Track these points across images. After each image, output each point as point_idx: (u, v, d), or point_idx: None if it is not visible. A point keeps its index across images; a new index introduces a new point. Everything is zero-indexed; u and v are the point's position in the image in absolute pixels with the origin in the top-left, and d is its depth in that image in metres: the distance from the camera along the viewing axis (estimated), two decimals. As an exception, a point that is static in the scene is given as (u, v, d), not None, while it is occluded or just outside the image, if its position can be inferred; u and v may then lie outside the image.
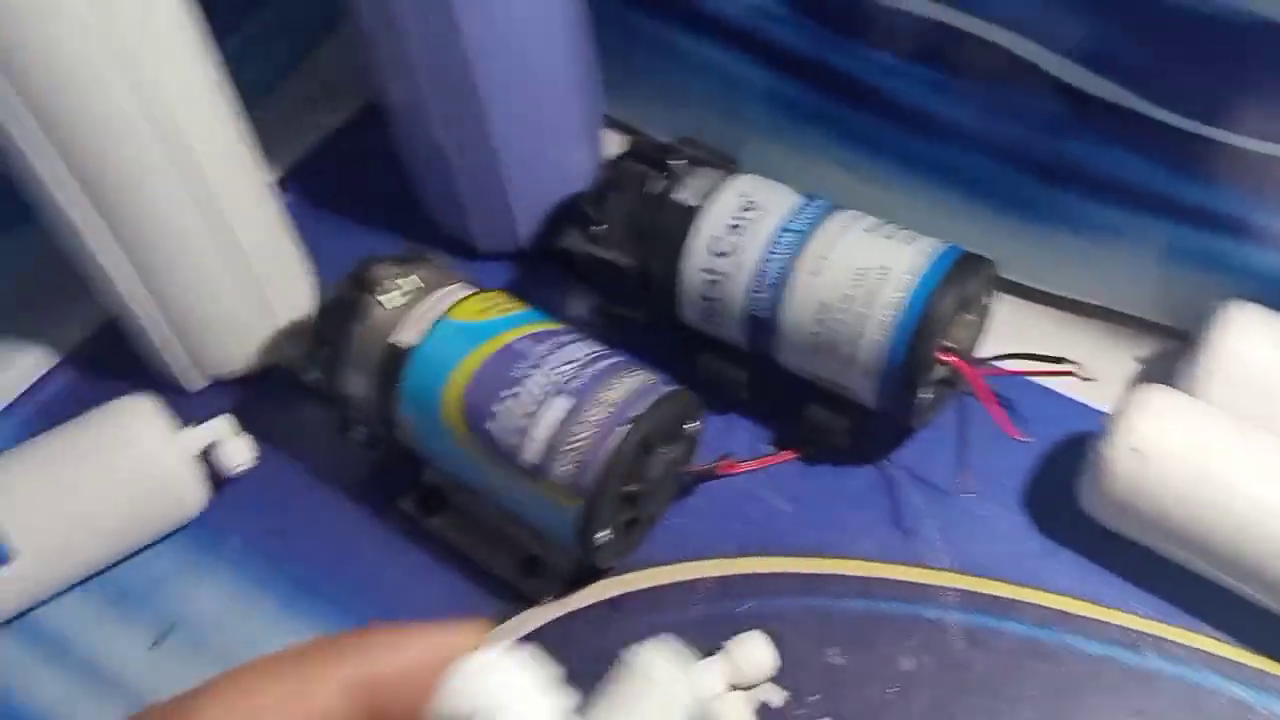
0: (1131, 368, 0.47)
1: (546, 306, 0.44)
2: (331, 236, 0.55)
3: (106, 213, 0.41)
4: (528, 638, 0.42)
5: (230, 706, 0.19)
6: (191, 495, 0.44)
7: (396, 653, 0.21)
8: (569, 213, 0.49)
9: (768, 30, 0.47)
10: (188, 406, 0.47)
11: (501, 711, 0.20)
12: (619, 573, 0.43)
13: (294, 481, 0.47)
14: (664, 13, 0.51)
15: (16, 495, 0.42)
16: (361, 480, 0.46)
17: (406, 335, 0.41)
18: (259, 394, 0.50)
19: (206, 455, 0.45)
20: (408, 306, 0.41)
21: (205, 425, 0.45)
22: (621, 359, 0.41)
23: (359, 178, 0.58)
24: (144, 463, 0.43)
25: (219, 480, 0.46)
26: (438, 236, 0.55)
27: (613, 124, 0.56)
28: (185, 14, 0.40)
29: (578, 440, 0.38)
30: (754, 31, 0.47)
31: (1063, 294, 0.48)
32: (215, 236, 0.44)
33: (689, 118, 0.54)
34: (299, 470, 0.47)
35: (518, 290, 0.44)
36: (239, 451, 0.45)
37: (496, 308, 0.42)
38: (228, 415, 0.46)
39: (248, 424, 0.47)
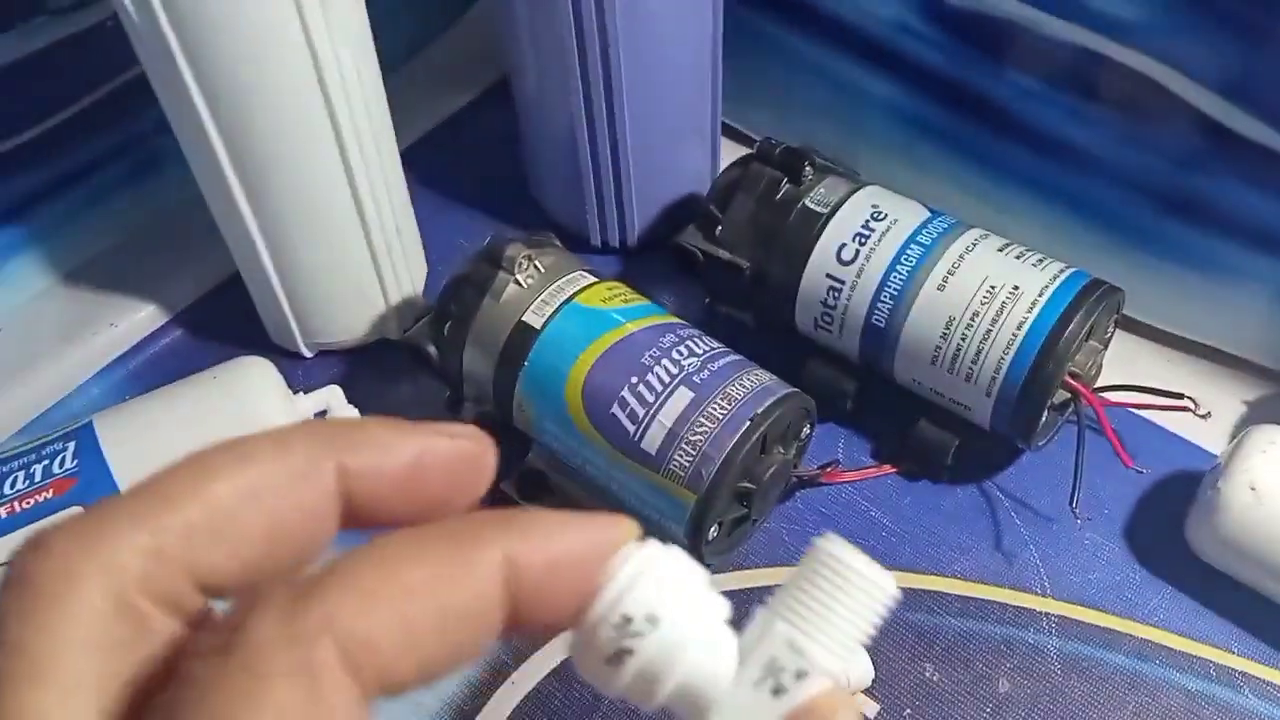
0: (1239, 410, 0.47)
1: (655, 302, 0.44)
2: (442, 217, 0.56)
3: (251, 164, 0.42)
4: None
5: (370, 589, 0.16)
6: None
7: (550, 539, 0.18)
8: (690, 210, 0.50)
9: (904, 45, 0.47)
10: (293, 373, 0.48)
11: (673, 608, 0.18)
12: (716, 571, 0.43)
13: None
14: (793, 20, 0.51)
15: (131, 448, 0.42)
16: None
17: (536, 315, 0.41)
18: (362, 367, 0.51)
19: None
20: (537, 287, 0.42)
21: (317, 392, 0.46)
22: (741, 357, 0.41)
23: (474, 161, 0.59)
24: (259, 424, 0.44)
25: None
26: (549, 226, 0.55)
27: (727, 130, 0.57)
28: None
29: (698, 433, 0.38)
30: (889, 45, 0.48)
31: (1176, 331, 0.48)
32: (347, 203, 0.45)
33: (806, 128, 0.54)
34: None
35: (626, 284, 0.45)
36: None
37: (620, 296, 0.42)
38: (336, 385, 0.47)
39: (350, 396, 0.47)
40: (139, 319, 0.51)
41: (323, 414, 0.46)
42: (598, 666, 0.18)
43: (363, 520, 0.19)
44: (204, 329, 0.52)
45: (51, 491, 0.40)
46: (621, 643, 0.18)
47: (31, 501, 0.40)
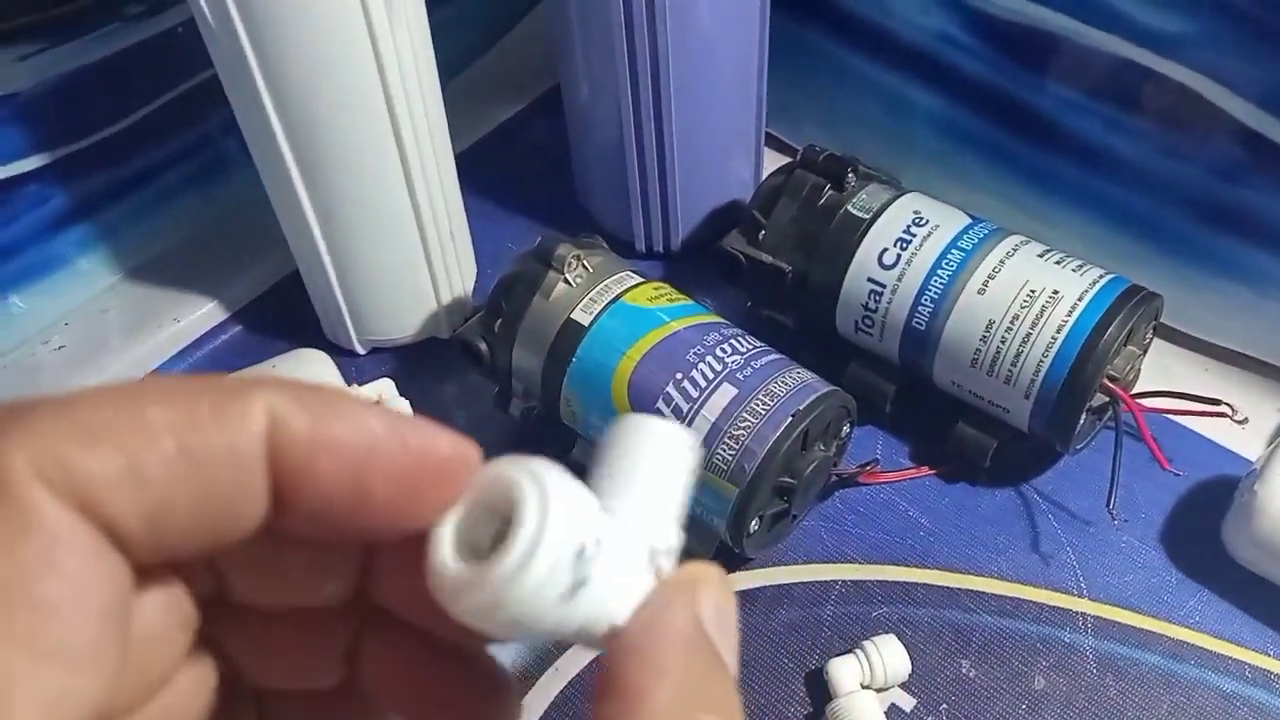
0: (1275, 418, 0.48)
1: (698, 303, 0.45)
2: (491, 223, 0.57)
3: (314, 164, 0.44)
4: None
5: (88, 421, 0.14)
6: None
7: (333, 411, 0.16)
8: (733, 218, 0.51)
9: (950, 57, 0.48)
10: (347, 369, 0.50)
11: (604, 527, 0.17)
12: (753, 566, 0.44)
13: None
14: (838, 32, 0.53)
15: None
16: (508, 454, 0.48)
17: (584, 313, 0.43)
18: (412, 364, 0.52)
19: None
20: (586, 286, 0.43)
21: (371, 384, 0.48)
22: (784, 357, 0.42)
23: (524, 169, 0.61)
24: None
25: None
26: (595, 232, 0.57)
27: (772, 141, 0.58)
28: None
29: (740, 428, 0.39)
30: (934, 57, 0.49)
31: (1214, 340, 0.49)
32: (404, 202, 0.46)
33: (850, 138, 0.55)
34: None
35: (671, 285, 0.46)
36: (402, 413, 0.47)
37: (665, 296, 0.44)
38: (389, 379, 0.48)
39: (401, 393, 0.49)
40: (201, 315, 0.53)
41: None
42: (545, 609, 0.16)
43: (297, 510, 0.16)
44: (262, 326, 0.54)
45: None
46: (580, 573, 0.17)
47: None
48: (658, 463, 0.19)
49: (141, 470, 0.15)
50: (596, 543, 0.17)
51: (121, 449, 0.15)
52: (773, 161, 0.57)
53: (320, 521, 0.17)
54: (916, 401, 0.47)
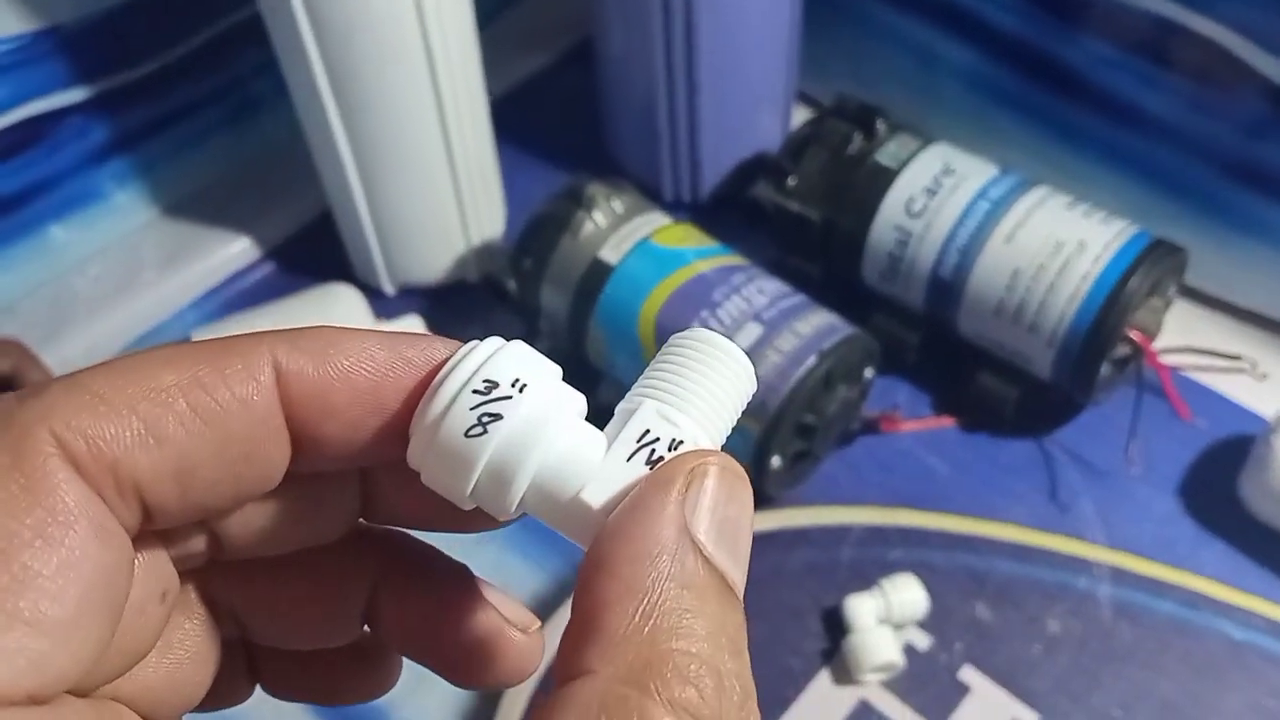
0: (1298, 380, 0.48)
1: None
2: (521, 170, 0.58)
3: (351, 100, 0.45)
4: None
5: (102, 391, 0.15)
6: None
7: (331, 345, 0.17)
8: (762, 165, 0.51)
9: (982, 11, 0.48)
10: (377, 308, 0.50)
11: (539, 377, 0.17)
12: (772, 507, 0.45)
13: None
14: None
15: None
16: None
17: (611, 252, 0.43)
18: (441, 305, 0.53)
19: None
20: (614, 226, 0.44)
21: (399, 320, 0.48)
22: (808, 298, 0.43)
23: (553, 119, 0.61)
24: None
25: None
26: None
27: (800, 96, 0.58)
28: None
29: (765, 365, 0.40)
30: (966, 10, 0.49)
31: (1238, 301, 0.49)
32: (437, 143, 0.47)
33: (880, 93, 0.55)
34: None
35: (698, 228, 0.46)
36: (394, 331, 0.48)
37: (692, 238, 0.44)
38: (417, 315, 0.49)
39: (432, 331, 0.50)
40: (234, 252, 0.54)
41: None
42: (455, 447, 0.16)
43: (323, 448, 0.17)
44: (294, 265, 0.55)
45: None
46: (488, 408, 0.16)
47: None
48: (711, 372, 0.18)
49: (160, 430, 0.15)
50: (517, 384, 0.16)
51: (137, 413, 0.15)
52: (800, 117, 0.57)
53: (345, 452, 0.17)
54: (939, 351, 0.47)
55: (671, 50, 0.49)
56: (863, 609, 0.40)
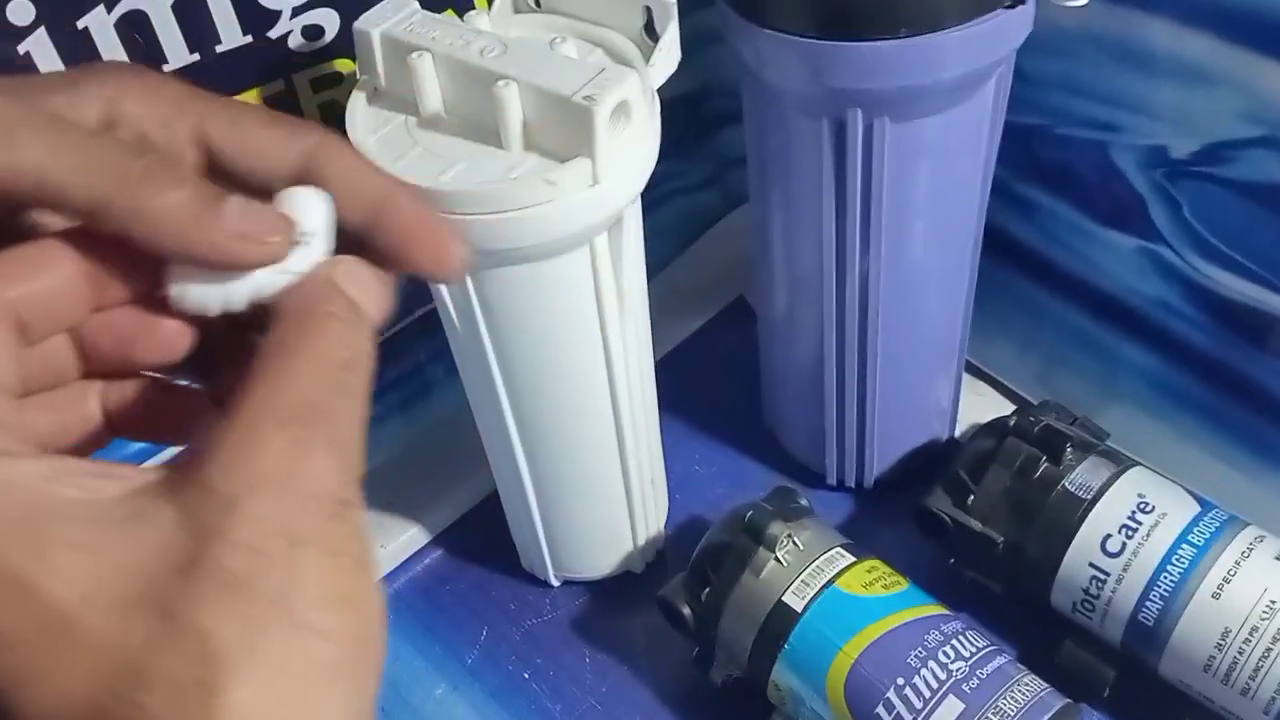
0: None
1: (892, 552, 0.45)
2: (677, 443, 0.57)
3: (532, 428, 0.45)
4: None
5: None
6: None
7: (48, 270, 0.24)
8: (928, 456, 0.50)
9: (1163, 321, 0.47)
10: (541, 601, 0.51)
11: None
12: None
13: (633, 697, 0.49)
14: (1039, 278, 0.52)
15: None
16: (705, 711, 0.47)
17: (796, 599, 0.42)
18: (606, 596, 0.53)
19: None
20: (797, 565, 0.43)
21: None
22: (1009, 659, 0.41)
23: (708, 385, 0.60)
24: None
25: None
26: (782, 458, 0.57)
27: (969, 368, 0.57)
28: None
29: (967, 744, 0.38)
30: (1148, 318, 0.48)
31: None
32: (613, 463, 0.47)
33: (1047, 371, 0.54)
34: (639, 686, 0.49)
35: (864, 528, 0.45)
36: None
37: (880, 582, 0.43)
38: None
39: (593, 628, 0.50)
40: (404, 540, 0.54)
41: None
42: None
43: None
44: (459, 552, 0.55)
45: None
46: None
47: None
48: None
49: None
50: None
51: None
52: (969, 389, 0.56)
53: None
54: (1139, 689, 0.45)
55: (844, 328, 0.47)
56: None
